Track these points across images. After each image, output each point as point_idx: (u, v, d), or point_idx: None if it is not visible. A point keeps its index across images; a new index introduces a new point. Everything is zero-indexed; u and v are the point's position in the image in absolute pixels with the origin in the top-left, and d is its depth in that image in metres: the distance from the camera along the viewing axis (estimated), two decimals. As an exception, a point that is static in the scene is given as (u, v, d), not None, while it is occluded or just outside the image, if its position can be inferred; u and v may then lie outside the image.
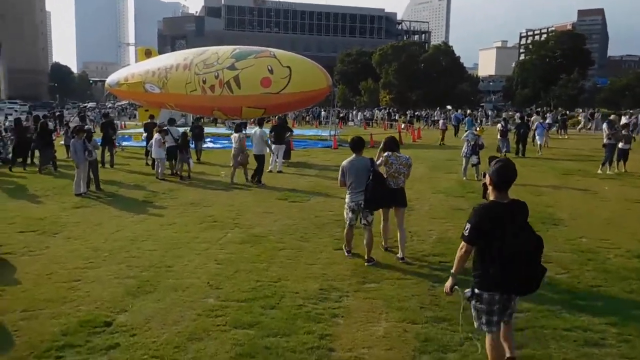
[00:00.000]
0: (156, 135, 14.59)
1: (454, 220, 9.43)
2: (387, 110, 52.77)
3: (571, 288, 6.17)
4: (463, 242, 3.84)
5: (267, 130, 16.27)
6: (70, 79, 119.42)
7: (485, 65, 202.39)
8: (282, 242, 8.17)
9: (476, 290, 3.83)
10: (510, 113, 42.81)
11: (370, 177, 7.00)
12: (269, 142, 15.24)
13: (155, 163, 14.86)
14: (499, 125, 21.76)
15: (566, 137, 30.42)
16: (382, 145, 7.78)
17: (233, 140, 14.28)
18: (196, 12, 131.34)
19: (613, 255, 7.41)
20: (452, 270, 4.03)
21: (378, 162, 7.51)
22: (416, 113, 51.57)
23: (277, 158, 16.25)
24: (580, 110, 51.27)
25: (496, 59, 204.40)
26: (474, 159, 13.65)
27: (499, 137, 20.48)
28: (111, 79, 31.46)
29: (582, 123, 37.27)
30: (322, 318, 5.37)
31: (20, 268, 6.91)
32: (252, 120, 31.06)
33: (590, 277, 6.51)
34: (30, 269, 6.86)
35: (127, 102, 55.31)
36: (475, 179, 13.68)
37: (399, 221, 7.50)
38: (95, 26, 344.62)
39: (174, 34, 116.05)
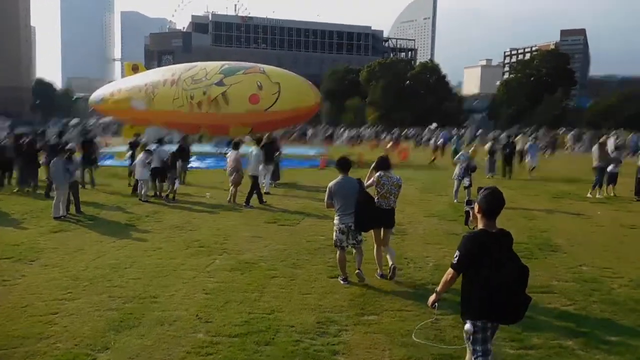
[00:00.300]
0: (141, 155, 14.14)
1: (450, 246, 9.13)
2: (374, 129, 52.75)
3: (580, 321, 5.87)
4: (450, 269, 3.86)
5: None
6: (53, 95, 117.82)
7: (470, 83, 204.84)
8: (274, 270, 7.79)
9: (469, 321, 3.82)
10: (497, 132, 42.97)
11: (359, 198, 6.91)
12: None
13: (139, 184, 14.34)
14: (487, 146, 21.80)
15: (553, 158, 30.43)
16: (374, 164, 7.66)
17: (229, 159, 13.91)
18: (183, 27, 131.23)
19: (617, 285, 7.15)
20: (437, 289, 4.06)
21: (369, 182, 7.45)
22: (404, 132, 51.49)
23: (264, 179, 15.80)
24: (562, 130, 51.51)
25: (481, 77, 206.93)
26: (465, 182, 13.43)
27: (487, 157, 20.46)
28: (95, 95, 30.90)
29: (569, 144, 37.37)
30: (322, 356, 5.01)
31: (-7, 300, 6.45)
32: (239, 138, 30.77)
33: (598, 310, 6.23)
34: (3, 300, 6.40)
35: (110, 118, 54.59)
36: (468, 201, 13.44)
37: (385, 241, 7.44)
38: (81, 41, 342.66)
39: (161, 49, 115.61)
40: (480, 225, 3.81)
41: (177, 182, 14.46)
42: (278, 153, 17.39)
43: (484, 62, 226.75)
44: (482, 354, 3.82)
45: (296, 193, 15.82)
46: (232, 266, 7.95)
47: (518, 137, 25.59)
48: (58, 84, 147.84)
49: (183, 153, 16.77)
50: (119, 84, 30.89)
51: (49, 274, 7.51)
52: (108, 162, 23.83)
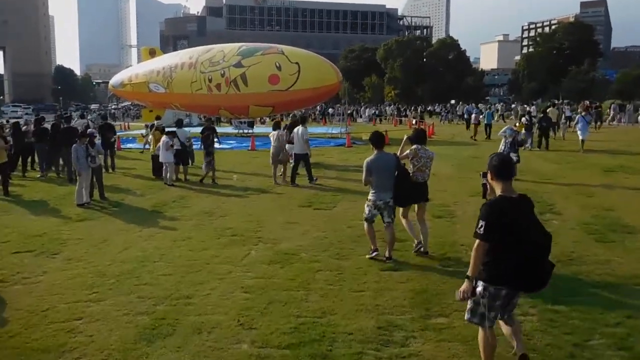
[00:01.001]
0: (164, 138, 13.43)
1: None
2: (396, 106, 51.47)
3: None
4: (478, 240, 3.65)
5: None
6: (73, 82, 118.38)
7: (487, 59, 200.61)
8: (317, 261, 6.98)
9: (480, 283, 3.69)
10: (525, 106, 41.45)
11: (397, 174, 6.86)
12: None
13: (164, 167, 13.66)
14: (523, 119, 20.85)
15: (597, 130, 28.97)
16: (408, 136, 7.46)
17: (272, 139, 13.47)
18: (198, 12, 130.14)
19: None
20: (469, 273, 3.72)
21: (404, 155, 7.18)
22: (428, 108, 50.07)
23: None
24: (587, 102, 49.44)
25: (498, 53, 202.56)
26: (513, 157, 12.42)
27: (523, 130, 19.54)
28: (115, 79, 30.59)
29: (611, 116, 35.70)
30: (392, 373, 4.19)
31: (11, 302, 5.76)
32: (259, 119, 30.02)
33: None
34: (22, 303, 5.71)
35: (131, 102, 54.48)
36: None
37: (421, 216, 7.30)
38: (97, 29, 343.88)
39: (176, 34, 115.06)
40: (498, 192, 3.72)
41: (204, 165, 13.85)
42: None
43: (500, 38, 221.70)
44: (480, 317, 3.77)
45: (326, 173, 15.01)
46: (270, 258, 7.17)
47: (549, 110, 24.61)
48: (76, 70, 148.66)
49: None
50: (137, 69, 30.33)
51: (73, 269, 6.83)
52: (130, 145, 23.39)
